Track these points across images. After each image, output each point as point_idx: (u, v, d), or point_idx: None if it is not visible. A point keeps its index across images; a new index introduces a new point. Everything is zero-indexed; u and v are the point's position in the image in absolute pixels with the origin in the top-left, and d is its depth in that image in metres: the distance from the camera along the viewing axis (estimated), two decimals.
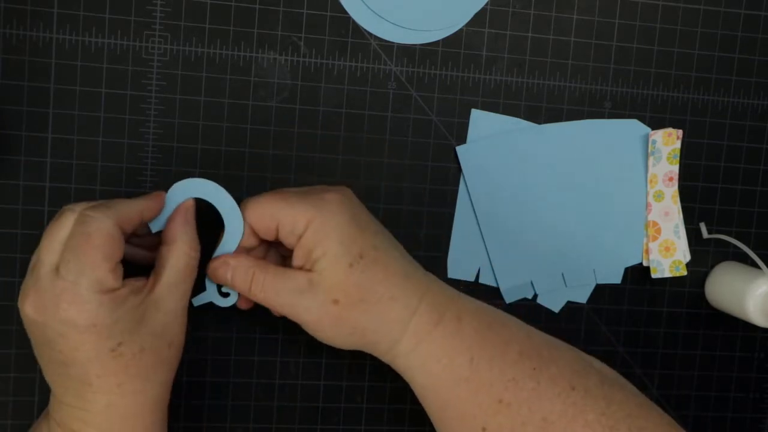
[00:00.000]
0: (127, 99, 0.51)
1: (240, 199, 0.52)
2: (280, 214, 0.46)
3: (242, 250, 0.48)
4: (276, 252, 0.51)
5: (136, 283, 0.44)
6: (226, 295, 0.50)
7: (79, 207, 0.43)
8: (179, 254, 0.46)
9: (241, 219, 0.48)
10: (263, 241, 0.49)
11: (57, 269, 0.42)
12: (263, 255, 0.50)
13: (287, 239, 0.46)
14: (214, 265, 0.48)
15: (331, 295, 0.45)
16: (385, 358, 0.47)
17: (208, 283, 0.50)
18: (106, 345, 0.42)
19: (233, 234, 0.48)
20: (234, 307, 0.53)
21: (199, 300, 0.50)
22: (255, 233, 0.48)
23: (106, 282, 0.42)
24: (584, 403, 0.44)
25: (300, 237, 0.45)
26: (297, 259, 0.46)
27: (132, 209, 0.45)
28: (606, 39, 0.56)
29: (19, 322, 0.51)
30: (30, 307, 0.42)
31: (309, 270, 0.45)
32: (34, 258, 0.44)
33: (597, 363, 0.48)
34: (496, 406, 0.44)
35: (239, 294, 0.49)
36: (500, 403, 0.44)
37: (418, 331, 0.46)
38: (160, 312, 0.45)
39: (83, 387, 0.43)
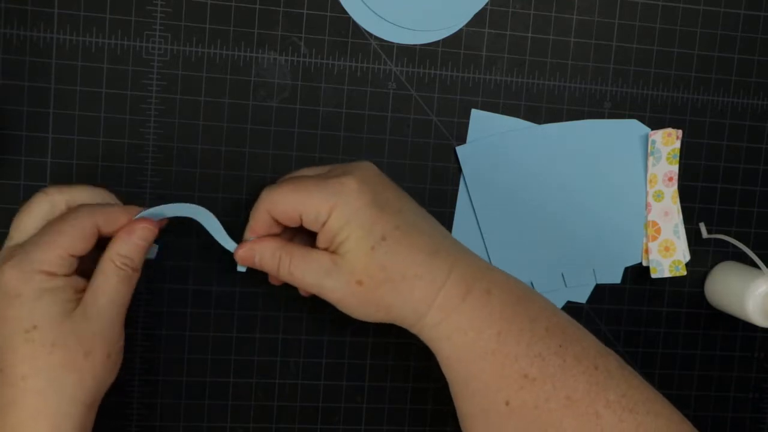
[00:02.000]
0: (127, 99, 0.51)
1: (239, 201, 0.52)
2: (301, 206, 0.46)
3: (268, 233, 0.48)
4: (303, 232, 0.49)
5: (79, 282, 0.44)
6: None
7: (60, 192, 0.45)
8: (112, 267, 0.45)
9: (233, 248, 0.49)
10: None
11: (22, 244, 0.43)
12: (291, 237, 0.49)
13: (311, 226, 0.46)
14: (240, 252, 0.48)
15: (355, 276, 0.45)
16: (413, 330, 0.47)
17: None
18: (22, 324, 0.42)
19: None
20: (234, 304, 0.53)
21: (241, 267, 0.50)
22: (279, 222, 0.48)
23: (51, 264, 0.43)
24: (606, 384, 0.44)
25: (324, 223, 0.45)
26: (321, 242, 0.46)
27: (111, 216, 0.45)
28: (606, 39, 0.56)
29: None
30: None
31: (333, 252, 0.46)
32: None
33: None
34: (521, 381, 0.44)
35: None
36: (525, 378, 0.44)
37: (445, 305, 0.45)
38: (85, 316, 0.44)
39: None
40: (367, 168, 0.47)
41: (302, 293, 0.50)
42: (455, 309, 0.45)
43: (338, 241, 0.45)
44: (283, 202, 0.46)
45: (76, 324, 0.43)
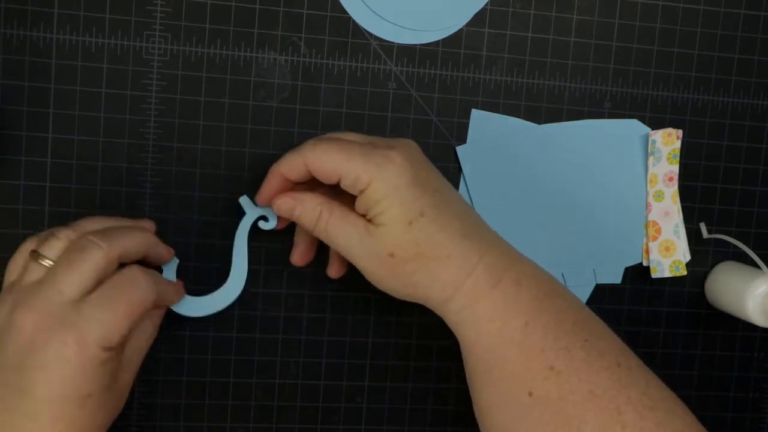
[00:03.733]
0: (127, 99, 0.51)
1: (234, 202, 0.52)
2: (342, 169, 0.45)
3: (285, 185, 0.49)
4: (342, 193, 0.49)
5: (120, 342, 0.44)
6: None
7: (115, 247, 0.44)
8: (150, 325, 0.48)
9: (245, 274, 0.52)
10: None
11: (76, 303, 0.42)
12: (329, 193, 0.49)
13: (350, 189, 0.46)
14: (281, 201, 0.48)
15: (388, 248, 0.45)
16: (438, 311, 0.47)
17: (248, 210, 0.52)
18: (78, 392, 0.42)
19: (235, 284, 0.52)
20: (234, 305, 0.53)
21: (243, 228, 0.52)
22: (296, 182, 0.48)
23: (114, 342, 0.43)
24: (628, 381, 0.44)
25: (362, 191, 0.45)
26: (359, 208, 0.46)
27: (167, 294, 0.48)
28: (606, 39, 0.56)
29: None
30: (30, 322, 0.42)
31: (370, 221, 0.45)
32: (41, 271, 0.43)
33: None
34: (546, 372, 0.44)
35: (278, 219, 0.51)
36: (551, 370, 0.44)
37: (473, 291, 0.45)
38: (126, 372, 0.45)
39: (23, 421, 0.41)
40: (410, 146, 0.47)
41: (330, 273, 0.52)
42: (483, 296, 0.45)
43: (376, 212, 0.45)
44: (326, 159, 0.45)
45: (121, 381, 0.45)
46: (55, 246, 0.44)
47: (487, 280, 0.45)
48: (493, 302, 0.45)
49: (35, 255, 0.44)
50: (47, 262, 0.44)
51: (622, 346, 0.46)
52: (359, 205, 0.46)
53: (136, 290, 0.44)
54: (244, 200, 0.52)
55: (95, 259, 0.43)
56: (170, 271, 0.52)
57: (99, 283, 0.43)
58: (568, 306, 0.46)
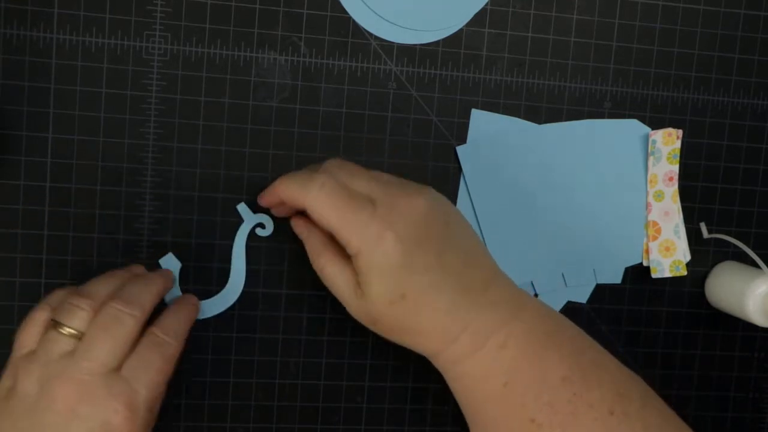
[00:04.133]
0: (127, 99, 0.51)
1: (239, 201, 0.52)
2: (335, 228, 0.45)
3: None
4: None
5: None
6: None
7: (145, 312, 0.46)
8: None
9: (243, 280, 0.53)
10: None
11: (117, 371, 0.44)
12: None
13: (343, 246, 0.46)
14: (295, 221, 0.50)
15: (372, 315, 0.46)
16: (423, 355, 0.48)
17: (246, 218, 0.53)
18: None
19: (233, 290, 0.53)
20: (234, 305, 0.53)
21: (241, 235, 0.53)
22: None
23: (157, 399, 0.45)
24: (619, 429, 0.43)
25: (352, 256, 0.45)
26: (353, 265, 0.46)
27: (187, 326, 0.49)
28: (606, 39, 0.56)
29: (20, 322, 0.51)
30: (72, 393, 0.42)
31: (357, 282, 0.46)
32: (68, 341, 0.44)
33: (641, 382, 0.48)
34: (528, 425, 0.44)
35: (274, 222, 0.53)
36: (532, 423, 0.44)
37: (454, 355, 0.45)
38: (153, 413, 0.46)
39: None
40: (417, 209, 0.45)
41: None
42: (464, 359, 0.45)
43: (361, 281, 0.45)
44: (323, 212, 0.45)
45: (147, 424, 0.46)
46: (79, 316, 0.45)
47: (469, 345, 0.45)
48: (473, 364, 0.45)
49: (57, 325, 0.44)
50: (69, 331, 0.44)
51: (624, 389, 0.45)
52: (353, 262, 0.46)
53: (167, 347, 0.46)
54: (242, 207, 0.52)
55: (129, 328, 0.45)
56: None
57: (132, 347, 0.45)
58: (562, 358, 0.45)
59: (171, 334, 0.46)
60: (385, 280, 0.44)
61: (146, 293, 0.46)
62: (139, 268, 0.50)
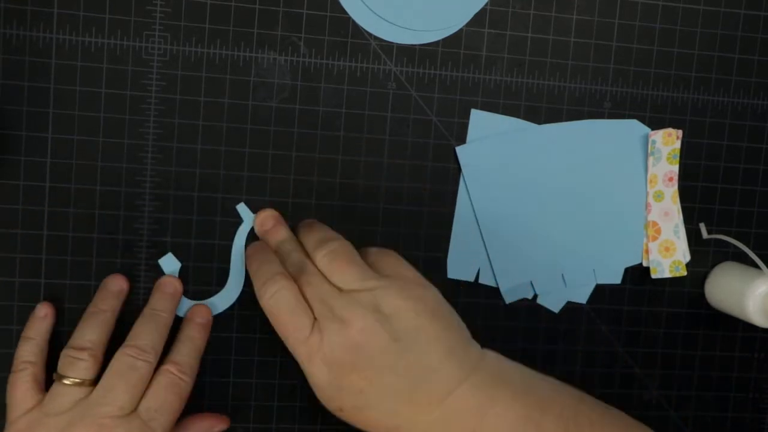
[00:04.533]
0: (127, 99, 0.51)
1: (239, 202, 0.52)
2: (280, 335, 0.48)
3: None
4: None
5: None
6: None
7: (157, 354, 0.48)
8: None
9: (242, 280, 0.53)
10: None
11: (136, 413, 0.46)
12: None
13: None
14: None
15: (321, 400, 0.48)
16: None
17: (246, 218, 0.53)
18: None
19: (233, 290, 0.53)
20: (234, 305, 0.53)
21: (241, 236, 0.53)
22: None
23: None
24: None
25: None
26: None
27: (200, 355, 0.51)
28: (606, 39, 0.56)
29: (19, 322, 0.51)
30: None
31: None
32: (76, 391, 0.46)
33: None
34: None
35: None
36: None
37: None
38: None
39: None
40: (349, 335, 0.45)
41: None
42: None
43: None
44: (269, 316, 0.47)
45: None
46: (81, 367, 0.47)
47: None
48: None
49: (61, 378, 0.47)
50: (74, 381, 0.46)
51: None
52: None
53: (183, 386, 0.48)
54: (241, 207, 0.52)
55: (144, 372, 0.47)
56: (173, 275, 0.52)
57: (147, 383, 0.47)
58: None
59: (187, 371, 0.48)
60: (320, 394, 0.47)
61: (157, 335, 0.49)
62: (116, 282, 0.51)
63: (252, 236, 0.53)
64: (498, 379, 0.46)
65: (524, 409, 0.45)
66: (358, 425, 0.47)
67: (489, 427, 0.45)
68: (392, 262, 0.49)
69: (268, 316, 0.47)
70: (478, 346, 0.48)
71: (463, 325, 0.48)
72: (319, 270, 0.48)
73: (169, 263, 0.52)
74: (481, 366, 0.47)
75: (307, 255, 0.49)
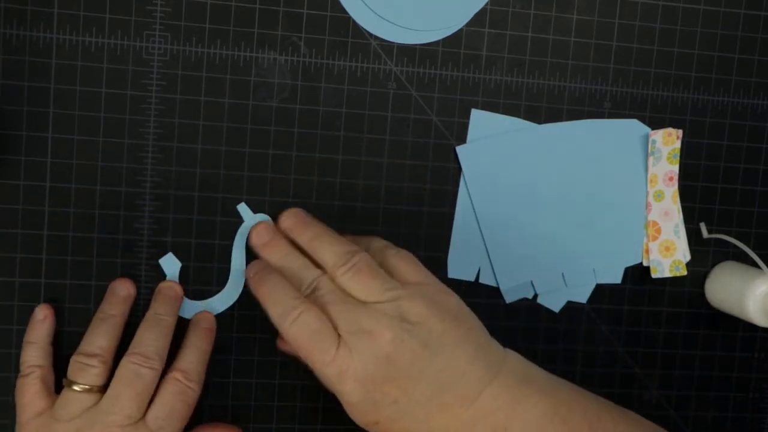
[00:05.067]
0: (127, 99, 0.51)
1: (239, 202, 0.52)
2: (305, 357, 0.47)
3: None
4: None
5: None
6: None
7: (162, 360, 0.48)
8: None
9: (243, 279, 0.53)
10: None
11: (143, 421, 0.46)
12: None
13: None
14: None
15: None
16: None
17: (246, 218, 0.53)
18: None
19: (233, 289, 0.53)
20: (234, 304, 0.53)
21: (241, 235, 0.53)
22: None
23: None
24: None
25: None
26: None
27: (207, 361, 0.51)
28: (606, 39, 0.56)
29: (19, 322, 0.51)
30: None
31: None
32: (86, 397, 0.47)
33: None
34: None
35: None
36: None
37: None
38: None
39: None
40: (379, 347, 0.45)
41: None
42: None
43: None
44: (291, 344, 0.47)
45: None
46: (90, 373, 0.47)
47: None
48: None
49: (72, 384, 0.47)
50: (84, 387, 0.47)
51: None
52: None
53: (191, 393, 0.48)
54: (242, 207, 0.52)
55: (150, 379, 0.47)
56: (173, 275, 0.52)
57: (154, 390, 0.48)
58: None
59: (194, 379, 0.49)
60: (354, 411, 0.46)
61: (161, 341, 0.49)
62: (123, 287, 0.51)
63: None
64: (523, 378, 0.47)
65: (551, 405, 0.46)
66: None
67: (518, 423, 0.46)
68: (412, 268, 0.49)
69: (291, 343, 0.46)
70: (500, 345, 0.48)
71: (483, 328, 0.48)
72: (336, 284, 0.47)
73: (170, 263, 0.52)
74: (505, 366, 0.47)
75: (316, 265, 0.48)
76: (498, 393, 0.46)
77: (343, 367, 0.45)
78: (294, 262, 0.48)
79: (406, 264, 0.49)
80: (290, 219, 0.51)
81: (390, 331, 0.45)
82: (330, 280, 0.47)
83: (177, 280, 0.52)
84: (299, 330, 0.45)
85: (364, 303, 0.46)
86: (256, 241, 0.51)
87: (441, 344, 0.45)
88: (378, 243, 0.50)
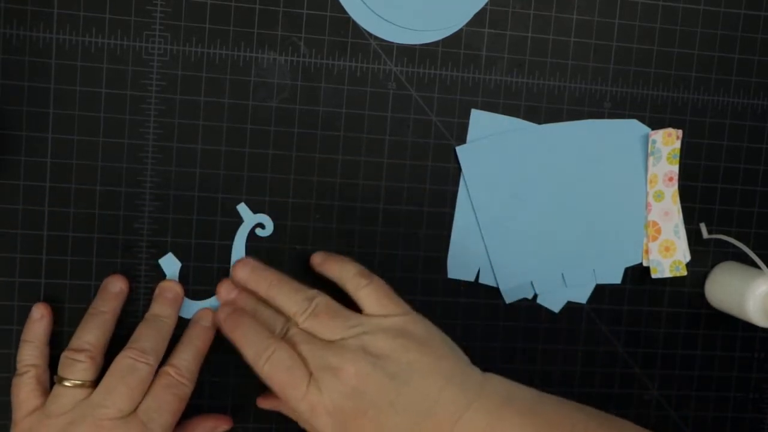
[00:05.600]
0: (127, 99, 0.51)
1: (239, 202, 0.52)
2: (280, 396, 0.47)
3: None
4: None
5: None
6: None
7: (158, 357, 0.48)
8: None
9: None
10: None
11: (135, 414, 0.46)
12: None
13: None
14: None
15: None
16: None
17: (246, 218, 0.53)
18: None
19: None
20: None
21: (241, 236, 0.53)
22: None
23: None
24: None
25: None
26: None
27: (201, 361, 0.51)
28: (606, 39, 0.56)
29: (19, 322, 0.51)
30: None
31: None
32: (77, 392, 0.47)
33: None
34: None
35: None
36: None
37: None
38: None
39: None
40: (347, 381, 0.45)
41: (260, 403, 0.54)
42: None
43: None
44: (266, 381, 0.47)
45: None
46: (79, 368, 0.47)
47: None
48: None
49: (62, 380, 0.47)
50: (74, 383, 0.47)
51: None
52: None
53: (182, 388, 0.49)
54: (242, 207, 0.52)
55: (144, 375, 0.47)
56: (173, 275, 0.52)
57: (147, 387, 0.48)
58: None
59: (186, 375, 0.49)
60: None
61: (158, 339, 0.49)
62: (115, 283, 0.51)
63: (252, 237, 0.53)
64: (505, 401, 0.46)
65: (533, 427, 0.45)
66: None
67: None
68: (381, 300, 0.49)
69: (267, 382, 0.47)
70: (479, 370, 0.48)
71: (459, 352, 0.48)
72: (301, 329, 0.48)
73: (170, 263, 0.52)
74: (486, 390, 0.46)
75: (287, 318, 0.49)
76: (478, 417, 0.45)
77: (315, 402, 0.46)
78: (265, 312, 0.50)
79: (375, 296, 0.49)
80: (243, 271, 0.52)
81: (353, 366, 0.46)
82: (295, 325, 0.48)
83: (177, 279, 0.52)
84: (273, 368, 0.47)
85: (330, 342, 0.47)
86: (224, 297, 0.52)
87: (409, 374, 0.46)
88: (349, 271, 0.51)
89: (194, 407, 0.54)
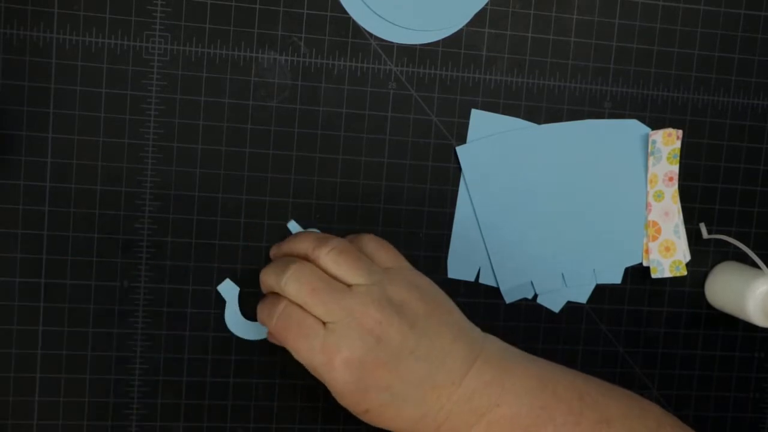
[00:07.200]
0: (127, 99, 0.51)
1: (239, 201, 0.52)
2: (292, 352, 0.46)
3: None
4: None
5: None
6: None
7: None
8: None
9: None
10: None
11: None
12: None
13: None
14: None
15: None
16: None
17: (228, 297, 0.53)
18: None
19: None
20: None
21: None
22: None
23: None
24: None
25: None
26: None
27: None
28: (606, 39, 0.56)
29: (20, 322, 0.51)
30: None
31: None
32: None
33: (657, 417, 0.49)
34: None
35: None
36: None
37: None
38: None
39: None
40: (365, 328, 0.45)
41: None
42: None
43: None
44: (278, 338, 0.47)
45: None
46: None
47: None
48: None
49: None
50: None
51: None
52: None
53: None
54: (292, 225, 0.53)
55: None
56: (232, 300, 0.53)
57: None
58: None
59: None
60: (345, 399, 0.46)
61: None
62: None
63: (252, 237, 0.53)
64: (506, 354, 0.48)
65: (538, 379, 0.47)
66: (383, 425, 0.46)
67: (509, 394, 0.46)
68: (389, 253, 0.50)
69: (280, 340, 0.46)
70: (478, 328, 0.49)
71: (460, 310, 0.49)
72: (319, 265, 0.46)
73: (228, 289, 0.53)
74: (487, 345, 0.48)
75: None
76: (484, 369, 0.46)
77: (333, 353, 0.44)
78: (280, 262, 0.48)
79: (384, 250, 0.49)
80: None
81: (379, 313, 0.45)
82: (311, 265, 0.47)
83: (237, 305, 0.52)
84: (284, 321, 0.46)
85: (349, 286, 0.46)
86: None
87: (426, 323, 0.46)
88: (349, 236, 0.51)
89: (194, 407, 0.54)
